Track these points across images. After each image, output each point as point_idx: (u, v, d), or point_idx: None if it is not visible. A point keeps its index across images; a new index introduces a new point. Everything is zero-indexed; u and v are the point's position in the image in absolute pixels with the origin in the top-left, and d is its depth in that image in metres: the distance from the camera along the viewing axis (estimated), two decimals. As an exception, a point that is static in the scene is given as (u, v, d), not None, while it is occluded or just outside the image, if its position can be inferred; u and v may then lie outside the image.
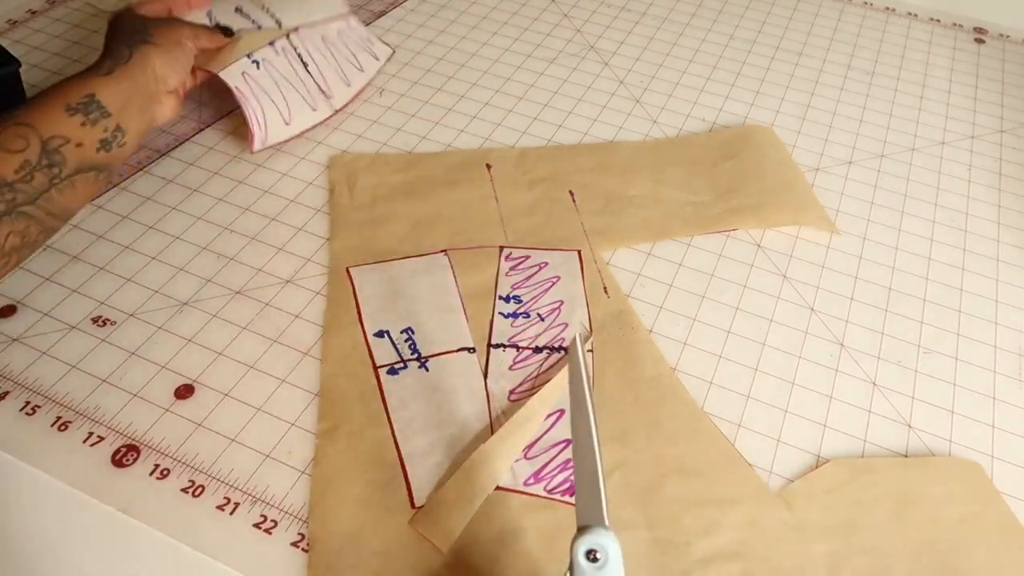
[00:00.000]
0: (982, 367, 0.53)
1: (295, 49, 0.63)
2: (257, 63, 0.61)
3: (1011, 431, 0.49)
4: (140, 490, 0.43)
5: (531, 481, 0.44)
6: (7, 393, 0.47)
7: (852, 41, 0.83)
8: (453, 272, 0.55)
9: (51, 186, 0.44)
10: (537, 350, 0.51)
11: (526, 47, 0.78)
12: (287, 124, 0.61)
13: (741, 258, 0.59)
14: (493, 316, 0.52)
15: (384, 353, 0.50)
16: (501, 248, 0.57)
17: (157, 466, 0.44)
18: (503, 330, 0.52)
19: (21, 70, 0.65)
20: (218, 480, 0.44)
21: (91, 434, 0.45)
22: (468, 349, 0.50)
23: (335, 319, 0.51)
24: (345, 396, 0.47)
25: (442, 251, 0.56)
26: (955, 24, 0.86)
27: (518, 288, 0.54)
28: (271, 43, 0.62)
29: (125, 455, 0.44)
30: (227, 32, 0.61)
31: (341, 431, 0.46)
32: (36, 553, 0.41)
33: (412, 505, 0.43)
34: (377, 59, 0.69)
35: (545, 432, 0.46)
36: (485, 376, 0.49)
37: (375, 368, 0.49)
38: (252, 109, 0.60)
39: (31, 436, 0.45)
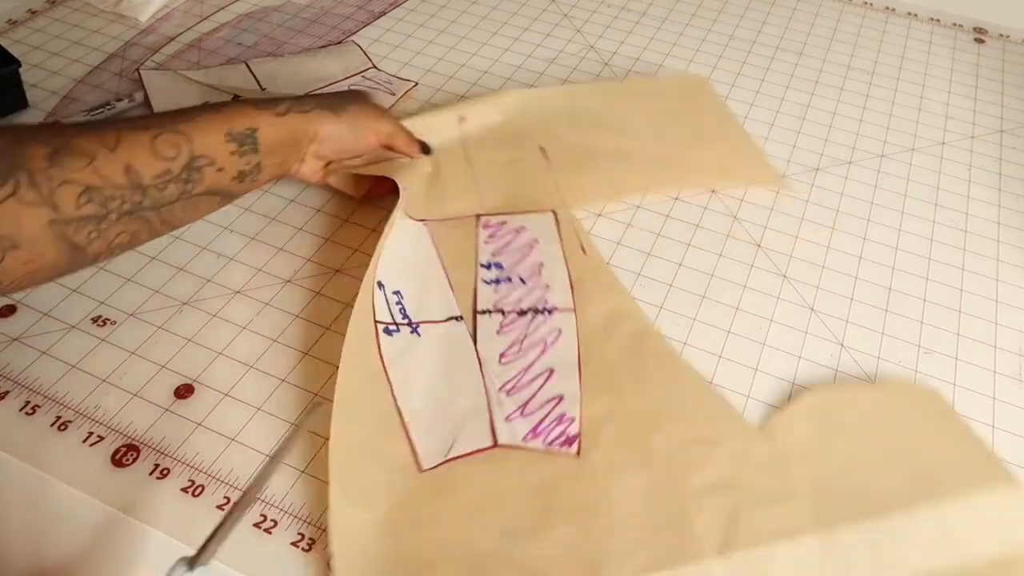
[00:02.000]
0: (982, 367, 0.53)
1: None
2: None
3: (1011, 431, 0.49)
4: (140, 490, 0.43)
5: (530, 437, 0.46)
6: (7, 393, 0.47)
7: (852, 41, 0.83)
8: (434, 242, 0.55)
9: (179, 199, 0.44)
10: (522, 313, 0.52)
11: (526, 47, 0.78)
12: None
13: (741, 258, 0.59)
14: (476, 284, 0.53)
15: (381, 310, 0.50)
16: (478, 217, 0.57)
17: (157, 466, 0.44)
18: (487, 296, 0.53)
19: (21, 70, 0.65)
20: (218, 480, 0.44)
21: (91, 434, 0.45)
22: (456, 318, 0.51)
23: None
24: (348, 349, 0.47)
25: (421, 220, 0.56)
26: (955, 24, 0.86)
27: (498, 255, 0.55)
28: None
29: (125, 455, 0.44)
30: (425, 150, 0.57)
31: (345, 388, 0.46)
32: (36, 553, 0.40)
33: (418, 468, 0.44)
34: (393, 95, 0.71)
35: (538, 390, 0.48)
36: (475, 342, 0.50)
37: (375, 322, 0.49)
38: None
39: (31, 436, 0.45)
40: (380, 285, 0.50)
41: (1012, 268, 0.59)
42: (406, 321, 0.50)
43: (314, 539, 0.42)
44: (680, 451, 0.46)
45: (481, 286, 0.53)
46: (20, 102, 0.66)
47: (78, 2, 0.80)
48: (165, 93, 0.68)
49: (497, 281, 0.54)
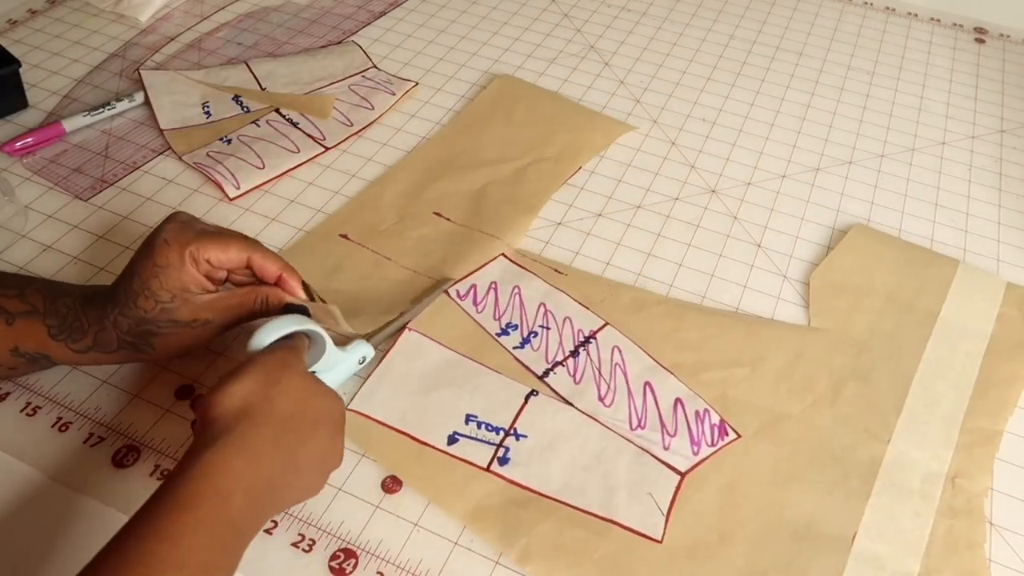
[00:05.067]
0: (982, 367, 0.53)
1: (284, 116, 0.67)
2: (229, 140, 0.64)
3: (1011, 431, 0.49)
4: (140, 490, 0.43)
5: (696, 450, 0.46)
6: (8, 394, 0.47)
7: (852, 41, 0.83)
8: (438, 343, 0.51)
9: None
10: (574, 353, 0.51)
11: (526, 47, 0.78)
12: (261, 168, 0.62)
13: (741, 258, 0.59)
14: (513, 355, 0.50)
15: (475, 451, 0.46)
16: (446, 291, 0.53)
17: (157, 466, 0.44)
18: (533, 358, 0.50)
19: (21, 70, 0.65)
20: (218, 480, 0.44)
21: (92, 435, 0.45)
22: (532, 394, 0.48)
23: None
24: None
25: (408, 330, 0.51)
26: (955, 24, 0.86)
27: (504, 316, 0.52)
28: (254, 122, 0.66)
29: (125, 455, 0.44)
30: (289, 308, 0.44)
31: None
32: (36, 553, 0.40)
33: (659, 540, 0.43)
34: (394, 94, 0.71)
35: (658, 407, 0.48)
36: (568, 402, 0.48)
37: (487, 469, 0.45)
38: (215, 170, 0.61)
39: (31, 436, 0.45)
40: (455, 439, 0.46)
41: (1012, 268, 0.59)
42: (499, 435, 0.46)
43: (314, 539, 0.42)
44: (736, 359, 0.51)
45: (519, 354, 0.50)
46: (20, 102, 0.66)
47: (78, 2, 0.80)
48: (165, 93, 0.68)
49: (526, 340, 0.51)
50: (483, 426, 0.47)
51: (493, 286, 0.54)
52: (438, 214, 0.59)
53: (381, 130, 0.68)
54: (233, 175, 0.61)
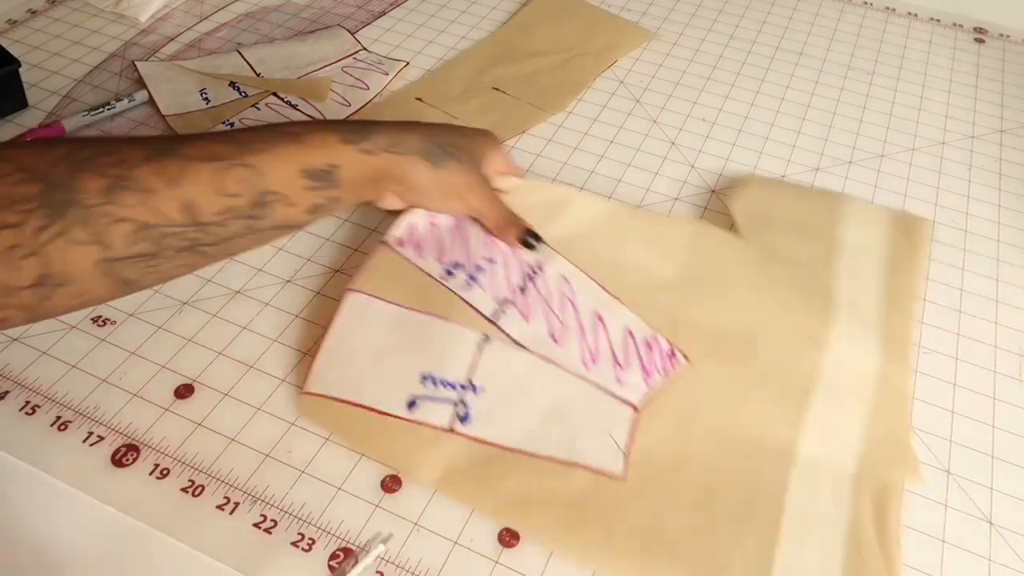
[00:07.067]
0: (982, 367, 0.53)
1: (283, 99, 0.68)
2: (231, 124, 0.65)
3: (1011, 431, 0.49)
4: (140, 490, 0.43)
5: (649, 380, 0.47)
6: (7, 393, 0.47)
7: (852, 41, 0.83)
8: (385, 300, 0.49)
9: (243, 234, 0.40)
10: (522, 289, 0.49)
11: (526, 47, 0.78)
12: None
13: (741, 258, 0.58)
14: (460, 297, 0.49)
15: (436, 413, 0.45)
16: (383, 241, 0.51)
17: (157, 466, 0.44)
18: (482, 298, 0.49)
19: (21, 70, 0.65)
20: (218, 480, 0.44)
21: (91, 434, 0.45)
22: (484, 340, 0.47)
23: None
24: None
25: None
26: (955, 24, 0.86)
27: (446, 255, 0.50)
28: (254, 105, 0.67)
29: (125, 455, 0.44)
30: (528, 242, 0.50)
31: None
32: (36, 553, 0.40)
33: (623, 476, 0.44)
34: (387, 74, 0.72)
35: (609, 339, 0.49)
36: (521, 345, 0.48)
37: (451, 430, 0.45)
38: None
39: (31, 436, 0.45)
40: (413, 404, 0.45)
41: (1012, 268, 0.59)
42: (456, 391, 0.46)
43: (314, 539, 0.42)
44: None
45: (468, 295, 0.49)
46: (20, 102, 0.66)
47: (78, 2, 0.80)
48: (163, 81, 0.69)
49: (472, 278, 0.49)
50: (440, 383, 0.46)
51: (433, 222, 0.51)
52: (496, 88, 0.71)
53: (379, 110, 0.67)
54: None
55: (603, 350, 0.48)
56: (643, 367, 0.48)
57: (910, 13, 0.87)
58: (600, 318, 0.49)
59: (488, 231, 0.51)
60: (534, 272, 0.51)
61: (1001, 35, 0.85)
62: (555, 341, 0.48)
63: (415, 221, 0.51)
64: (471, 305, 0.49)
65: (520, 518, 0.43)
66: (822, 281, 0.55)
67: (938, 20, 0.87)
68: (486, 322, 0.48)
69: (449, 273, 0.50)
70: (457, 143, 0.48)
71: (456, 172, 0.47)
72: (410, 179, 0.45)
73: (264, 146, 0.40)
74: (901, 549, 0.42)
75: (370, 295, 0.49)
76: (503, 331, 0.48)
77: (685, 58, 0.79)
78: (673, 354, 0.49)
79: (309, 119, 0.42)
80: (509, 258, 0.51)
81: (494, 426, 0.45)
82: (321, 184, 0.42)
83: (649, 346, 0.48)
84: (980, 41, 0.84)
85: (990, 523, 0.45)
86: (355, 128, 0.44)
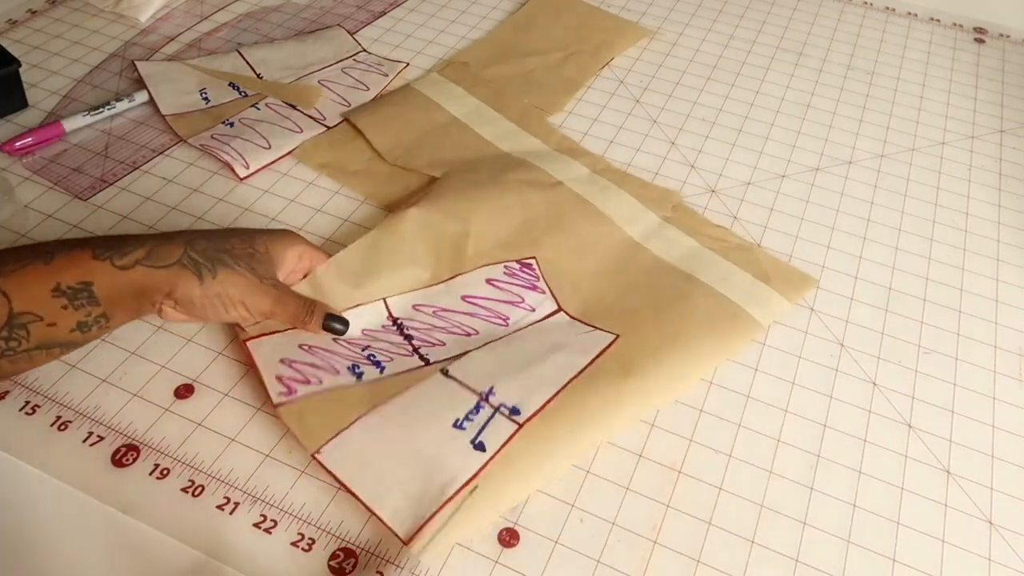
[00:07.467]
0: (982, 367, 0.53)
1: (282, 100, 0.68)
2: (231, 123, 0.65)
3: (1011, 431, 0.49)
4: (140, 490, 0.43)
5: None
6: (7, 393, 0.47)
7: (852, 41, 0.83)
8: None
9: (4, 355, 0.40)
10: (408, 337, 0.50)
11: (526, 47, 0.78)
12: (267, 148, 0.63)
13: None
14: (385, 378, 0.47)
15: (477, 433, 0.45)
16: (272, 403, 0.47)
17: (157, 466, 0.44)
18: (400, 361, 0.48)
19: (21, 70, 0.65)
20: (218, 480, 0.44)
21: (91, 434, 0.45)
22: (443, 372, 0.47)
23: None
24: None
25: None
26: (955, 24, 0.86)
27: (339, 365, 0.48)
28: (254, 105, 0.67)
29: (125, 455, 0.44)
30: (334, 328, 0.48)
31: None
32: (36, 553, 0.40)
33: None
34: (386, 75, 0.72)
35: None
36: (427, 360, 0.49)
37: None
38: (223, 151, 0.62)
39: (31, 436, 0.45)
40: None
41: (1012, 268, 0.59)
42: (478, 411, 0.45)
43: (314, 539, 0.42)
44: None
45: (391, 368, 0.48)
46: (20, 102, 0.66)
47: (78, 2, 0.80)
48: (163, 81, 0.69)
49: (373, 358, 0.48)
50: (468, 417, 0.45)
51: (300, 345, 0.48)
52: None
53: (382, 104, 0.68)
54: (241, 155, 0.62)
55: (497, 307, 0.52)
56: (526, 288, 0.53)
57: (910, 13, 0.87)
58: (466, 297, 0.52)
59: (292, 327, 0.48)
60: (395, 322, 0.50)
61: (1001, 35, 0.85)
62: (475, 333, 0.50)
63: (280, 372, 0.47)
64: (401, 372, 0.48)
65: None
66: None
67: (938, 20, 0.87)
68: (426, 365, 0.48)
69: (356, 372, 0.47)
70: (231, 249, 0.45)
71: (228, 281, 0.44)
72: (177, 292, 0.43)
73: (15, 267, 0.40)
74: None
75: (332, 441, 0.44)
76: (444, 358, 0.48)
77: (685, 58, 0.79)
78: (526, 264, 0.54)
79: (67, 239, 0.40)
80: (367, 331, 0.50)
81: (528, 395, 0.46)
82: (78, 302, 0.41)
83: (511, 274, 0.53)
84: (980, 41, 0.84)
85: (990, 523, 0.45)
86: (109, 243, 0.42)
